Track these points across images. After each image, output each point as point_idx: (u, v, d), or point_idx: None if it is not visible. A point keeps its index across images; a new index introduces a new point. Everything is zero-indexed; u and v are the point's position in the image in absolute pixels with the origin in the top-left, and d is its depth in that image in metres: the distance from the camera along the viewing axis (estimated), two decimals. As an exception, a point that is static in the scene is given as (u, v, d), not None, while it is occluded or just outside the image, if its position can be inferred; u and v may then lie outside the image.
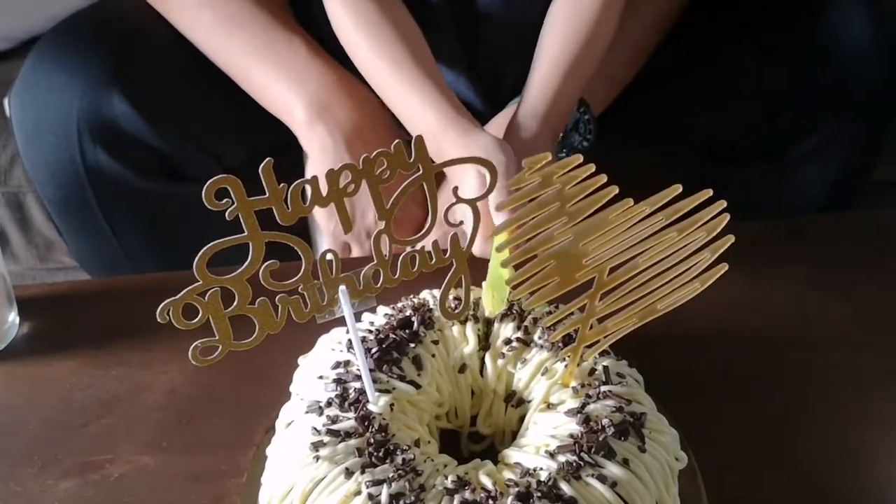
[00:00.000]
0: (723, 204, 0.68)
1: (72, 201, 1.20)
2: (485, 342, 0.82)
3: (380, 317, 0.83)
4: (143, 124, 1.14)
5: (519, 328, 0.81)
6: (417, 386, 0.77)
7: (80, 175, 1.16)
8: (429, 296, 0.85)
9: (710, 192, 0.68)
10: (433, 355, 0.80)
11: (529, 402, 0.79)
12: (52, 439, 0.88)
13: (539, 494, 0.66)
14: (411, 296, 0.85)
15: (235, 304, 0.67)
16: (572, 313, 0.75)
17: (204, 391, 0.92)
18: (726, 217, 0.68)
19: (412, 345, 0.79)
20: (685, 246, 0.70)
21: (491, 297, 0.80)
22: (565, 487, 0.67)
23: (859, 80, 1.21)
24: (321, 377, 0.77)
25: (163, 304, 0.64)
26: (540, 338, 0.80)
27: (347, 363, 0.77)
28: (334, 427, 0.71)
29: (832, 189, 1.32)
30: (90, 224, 1.22)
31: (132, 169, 1.17)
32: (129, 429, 0.89)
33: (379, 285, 0.72)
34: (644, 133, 1.37)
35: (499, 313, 0.82)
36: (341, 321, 0.73)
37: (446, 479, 0.69)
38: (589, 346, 0.76)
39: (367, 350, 0.76)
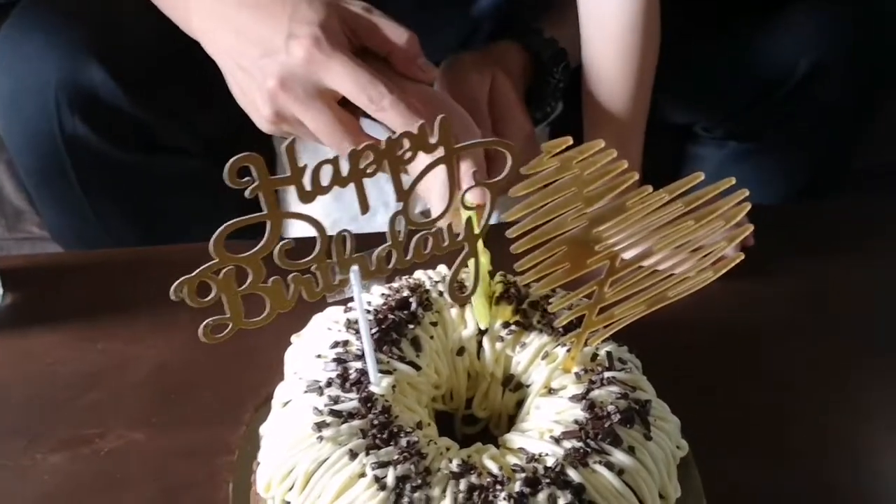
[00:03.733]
0: (745, 193, 0.68)
1: (48, 171, 1.18)
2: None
3: (376, 297, 0.81)
4: (121, 94, 1.11)
5: (517, 311, 0.80)
6: (417, 367, 0.76)
7: (57, 145, 1.13)
8: (424, 276, 0.84)
9: (732, 181, 0.67)
10: (431, 337, 0.79)
11: (528, 386, 0.78)
12: (38, 413, 0.86)
13: (547, 481, 0.66)
14: (406, 276, 0.84)
15: (249, 282, 0.66)
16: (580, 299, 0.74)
17: (191, 367, 0.91)
18: (747, 206, 0.68)
19: (411, 326, 0.78)
20: (702, 235, 0.69)
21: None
22: (573, 474, 0.67)
23: (839, 65, 1.22)
24: (319, 356, 0.76)
25: (177, 281, 0.62)
26: (539, 322, 0.79)
27: (346, 343, 0.76)
28: (336, 408, 0.70)
29: (811, 174, 1.33)
30: (67, 195, 1.19)
31: (111, 139, 1.14)
32: (118, 403, 0.88)
33: (391, 266, 0.72)
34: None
35: (496, 295, 0.81)
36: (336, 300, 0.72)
37: (451, 462, 0.68)
38: (592, 333, 0.75)
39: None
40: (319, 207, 1.02)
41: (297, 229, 0.74)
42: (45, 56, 1.10)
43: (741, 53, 1.25)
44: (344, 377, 0.73)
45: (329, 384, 0.72)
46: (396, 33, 0.87)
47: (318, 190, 0.64)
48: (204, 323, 0.65)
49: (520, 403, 0.79)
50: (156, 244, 1.11)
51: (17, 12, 1.14)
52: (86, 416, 0.86)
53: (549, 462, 0.68)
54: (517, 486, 0.66)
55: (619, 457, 0.68)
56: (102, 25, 1.12)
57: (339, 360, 0.74)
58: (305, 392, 0.73)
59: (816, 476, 0.83)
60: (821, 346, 0.96)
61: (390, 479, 0.66)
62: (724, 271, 0.70)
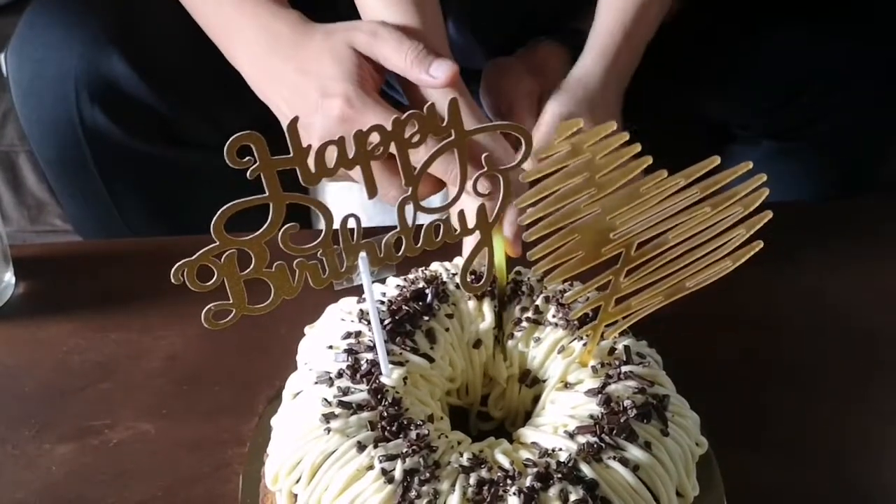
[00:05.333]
0: (762, 178, 0.66)
1: (68, 162, 1.18)
2: (498, 321, 0.80)
3: (391, 288, 0.80)
4: (143, 86, 1.11)
5: (529, 308, 0.79)
6: (430, 360, 0.75)
7: (77, 135, 1.13)
8: (440, 268, 0.83)
9: (750, 165, 0.65)
10: (447, 329, 0.77)
11: (544, 381, 0.77)
12: (49, 403, 0.86)
13: (559, 476, 0.64)
14: (422, 267, 0.82)
15: (252, 267, 0.64)
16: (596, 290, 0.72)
17: (204, 358, 0.90)
18: (765, 192, 0.66)
19: (426, 318, 0.77)
20: (719, 221, 0.67)
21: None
22: (586, 469, 0.65)
23: (876, 62, 1.20)
24: (331, 347, 0.74)
25: (177, 264, 0.61)
26: (554, 316, 0.78)
27: (359, 333, 0.75)
28: (346, 399, 0.69)
29: (846, 173, 1.31)
30: (87, 186, 1.19)
31: (131, 131, 1.15)
32: (129, 394, 0.87)
33: (400, 254, 0.70)
34: (652, 110, 1.35)
35: (507, 291, 0.80)
36: (350, 290, 0.71)
37: (461, 456, 0.67)
38: (609, 325, 0.73)
39: (380, 321, 0.74)
40: (357, 203, 1.01)
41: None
42: (65, 45, 1.10)
43: (777, 49, 1.22)
44: (355, 368, 0.72)
45: (339, 375, 0.71)
46: (397, 55, 0.88)
47: (323, 172, 0.62)
48: (206, 308, 0.64)
49: (537, 399, 0.78)
50: (175, 235, 1.11)
51: (40, 0, 1.13)
52: (96, 407, 0.85)
53: (562, 457, 0.66)
54: (528, 481, 0.64)
55: (634, 452, 0.67)
56: (125, 16, 1.13)
57: (351, 351, 0.73)
58: (315, 383, 0.71)
59: (840, 474, 0.81)
60: (845, 343, 0.94)
61: (398, 473, 0.64)
62: (743, 260, 0.68)
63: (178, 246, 0.64)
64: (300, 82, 0.90)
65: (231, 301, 0.65)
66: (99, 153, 1.16)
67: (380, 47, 0.88)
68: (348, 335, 0.75)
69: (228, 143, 0.58)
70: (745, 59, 1.25)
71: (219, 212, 0.60)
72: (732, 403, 0.85)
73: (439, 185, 0.84)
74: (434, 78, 0.86)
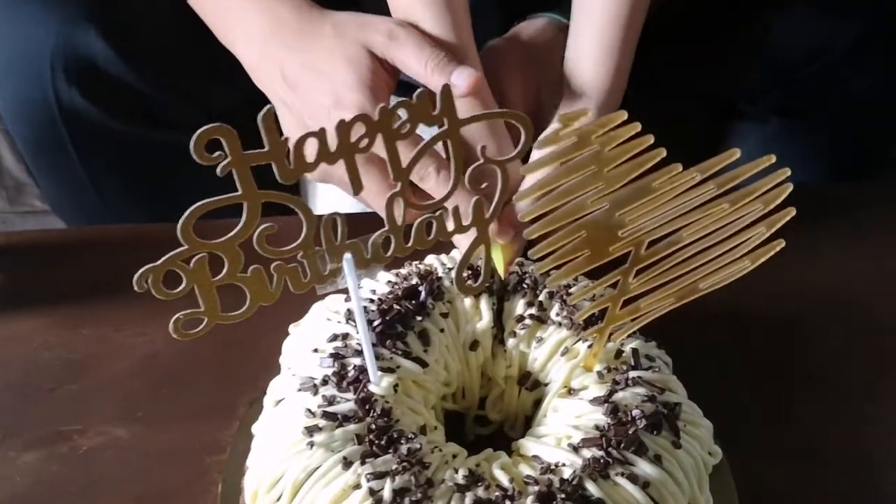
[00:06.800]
0: (786, 172, 0.61)
1: (45, 142, 1.15)
2: (497, 318, 0.75)
3: (382, 284, 0.75)
4: (121, 64, 1.09)
5: (532, 304, 0.74)
6: (424, 364, 0.70)
7: (53, 115, 1.11)
8: (436, 262, 0.78)
9: (772, 159, 0.60)
10: (442, 330, 0.72)
11: (546, 384, 0.72)
12: (14, 405, 0.81)
13: (563, 496, 0.59)
14: (416, 261, 0.77)
15: (225, 271, 0.59)
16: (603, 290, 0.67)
17: (184, 357, 0.86)
18: (789, 187, 0.61)
19: (419, 318, 0.71)
20: (737, 219, 0.62)
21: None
22: (591, 488, 0.60)
23: (886, 37, 1.17)
24: (316, 350, 0.69)
25: (140, 271, 0.56)
26: (557, 314, 0.73)
27: (346, 336, 0.70)
28: (331, 409, 0.64)
29: (855, 154, 1.28)
30: (65, 168, 1.17)
31: (109, 111, 1.12)
32: (101, 396, 0.82)
33: (389, 254, 0.65)
34: (657, 86, 1.30)
35: (509, 287, 0.76)
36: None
37: (456, 472, 0.62)
38: (617, 327, 0.68)
39: (369, 322, 0.69)
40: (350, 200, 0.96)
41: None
42: (41, 21, 1.07)
43: (788, 21, 1.18)
44: (341, 375, 0.67)
45: (325, 382, 0.66)
46: (417, 62, 0.83)
47: (303, 167, 0.57)
48: (174, 317, 0.58)
49: (537, 403, 0.73)
50: (158, 221, 1.05)
51: None
52: (65, 410, 0.80)
53: (566, 474, 0.61)
54: (528, 502, 0.59)
55: (643, 467, 0.62)
56: None
57: (337, 356, 0.68)
58: (299, 390, 0.67)
59: (859, 483, 0.77)
60: (862, 342, 0.89)
61: (387, 492, 0.59)
62: (762, 260, 0.63)
63: (161, 233, 0.60)
64: (308, 81, 0.86)
65: (202, 309, 0.59)
66: (76, 134, 1.13)
67: (398, 52, 0.84)
68: (335, 337, 0.70)
69: (195, 137, 0.53)
70: (755, 31, 1.21)
71: (186, 212, 0.55)
72: (747, 408, 0.81)
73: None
74: (456, 87, 0.81)
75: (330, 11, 0.89)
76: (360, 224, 0.65)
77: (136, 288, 0.57)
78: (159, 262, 0.56)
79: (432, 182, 0.79)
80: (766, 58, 1.21)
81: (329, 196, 1.15)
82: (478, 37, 0.98)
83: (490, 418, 0.76)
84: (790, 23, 1.18)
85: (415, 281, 0.74)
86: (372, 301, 0.72)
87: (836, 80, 1.19)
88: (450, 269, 0.76)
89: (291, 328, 0.75)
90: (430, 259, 0.78)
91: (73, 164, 1.15)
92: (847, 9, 1.16)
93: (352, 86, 0.83)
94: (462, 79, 0.80)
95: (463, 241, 0.75)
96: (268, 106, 0.55)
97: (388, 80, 0.86)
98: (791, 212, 0.61)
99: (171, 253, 0.57)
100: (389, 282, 0.75)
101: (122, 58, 1.08)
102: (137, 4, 1.11)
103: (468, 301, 0.74)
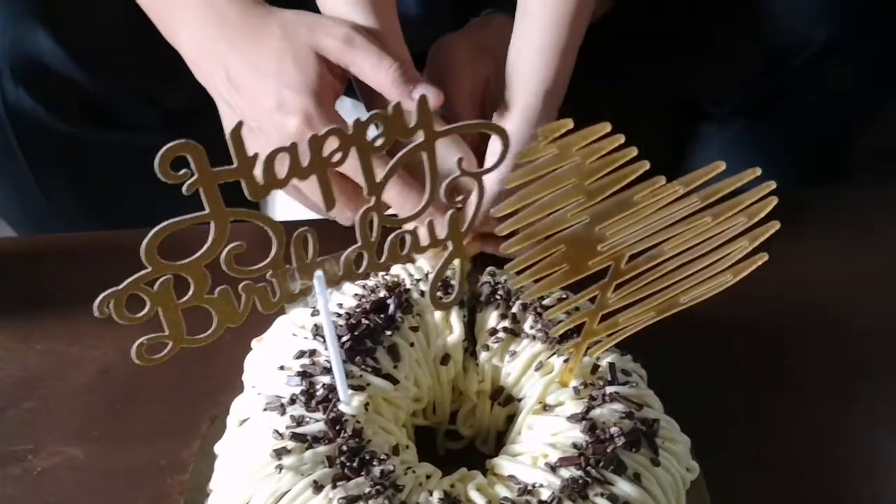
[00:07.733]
0: (771, 185, 0.59)
1: None
2: (469, 330, 0.73)
3: (348, 297, 0.73)
4: (71, 64, 1.05)
5: (506, 316, 0.72)
6: (394, 381, 0.68)
7: (0, 117, 1.07)
8: (403, 272, 0.75)
9: (758, 172, 0.58)
10: (412, 344, 0.70)
11: (519, 400, 0.70)
12: (-37, 426, 0.78)
13: (541, 519, 0.57)
14: (382, 272, 0.75)
15: (191, 293, 0.56)
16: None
17: (140, 372, 0.79)
18: (773, 200, 0.59)
19: (388, 332, 0.69)
20: (720, 232, 0.61)
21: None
22: (571, 509, 0.58)
23: (854, 41, 1.15)
24: (282, 367, 0.67)
25: (102, 296, 0.53)
26: (531, 327, 0.71)
27: (314, 352, 0.68)
28: (300, 430, 0.62)
29: (818, 157, 1.26)
30: (12, 171, 1.12)
31: (59, 112, 1.08)
32: (55, 414, 0.79)
33: (361, 271, 0.63)
34: (616, 87, 1.29)
35: (481, 298, 0.74)
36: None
37: (431, 495, 0.61)
38: (593, 343, 0.67)
39: (338, 339, 0.66)
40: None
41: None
42: None
43: (754, 19, 1.17)
44: (309, 394, 0.64)
45: (292, 402, 0.64)
46: (375, 72, 0.81)
47: (273, 183, 0.54)
48: (137, 342, 0.56)
49: (510, 418, 0.71)
50: (113, 229, 1.04)
51: None
52: (17, 429, 0.77)
53: (544, 495, 0.60)
54: (506, 526, 0.57)
55: (622, 487, 0.61)
56: None
57: (305, 374, 0.66)
58: (265, 410, 0.64)
59: (838, 497, 0.76)
60: (842, 351, 0.88)
61: (360, 518, 0.57)
62: (744, 274, 0.62)
63: (115, 241, 0.57)
64: (252, 82, 0.83)
65: (167, 333, 0.56)
66: (24, 136, 1.09)
67: (355, 58, 0.81)
68: (301, 354, 0.68)
69: (159, 154, 0.50)
70: (723, 32, 1.19)
71: (150, 234, 0.52)
72: (725, 421, 0.79)
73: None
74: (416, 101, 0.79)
75: (277, 9, 0.86)
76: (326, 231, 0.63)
77: (96, 313, 0.54)
78: (121, 286, 0.53)
79: (393, 194, 0.78)
80: (734, 59, 1.20)
81: (289, 202, 1.13)
82: (435, 35, 0.97)
83: (462, 433, 0.74)
84: (759, 24, 1.17)
85: (382, 293, 0.72)
86: (339, 315, 0.70)
87: (804, 83, 1.18)
88: (418, 280, 0.74)
89: (254, 343, 0.73)
90: (397, 269, 0.76)
91: (21, 167, 1.11)
92: (815, 12, 1.15)
93: (297, 89, 0.81)
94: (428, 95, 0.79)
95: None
96: (238, 121, 0.52)
97: (335, 84, 0.84)
98: (775, 225, 0.59)
99: (135, 276, 0.54)
100: (356, 294, 0.73)
101: (71, 57, 1.04)
102: (87, 2, 1.08)
103: (438, 314, 0.72)
